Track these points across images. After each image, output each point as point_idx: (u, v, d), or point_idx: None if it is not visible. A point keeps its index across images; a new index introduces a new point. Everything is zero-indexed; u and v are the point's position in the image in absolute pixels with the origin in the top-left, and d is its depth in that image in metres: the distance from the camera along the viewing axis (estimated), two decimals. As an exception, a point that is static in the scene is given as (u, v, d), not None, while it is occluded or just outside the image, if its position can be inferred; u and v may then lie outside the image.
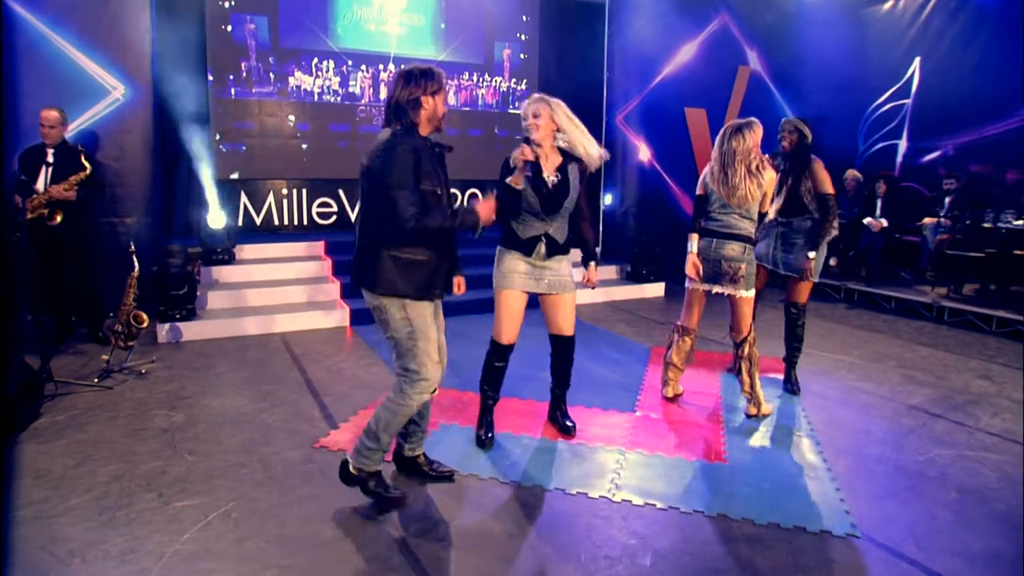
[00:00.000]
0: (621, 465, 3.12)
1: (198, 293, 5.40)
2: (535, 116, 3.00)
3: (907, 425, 3.68)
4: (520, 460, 3.15)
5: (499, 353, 3.23)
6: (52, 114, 4.52)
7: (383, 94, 7.51)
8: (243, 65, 6.79)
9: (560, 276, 3.19)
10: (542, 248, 3.12)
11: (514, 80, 8.23)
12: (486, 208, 2.64)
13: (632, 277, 7.33)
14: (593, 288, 3.37)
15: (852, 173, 7.60)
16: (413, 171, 2.49)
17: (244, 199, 7.03)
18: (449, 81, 7.81)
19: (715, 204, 3.53)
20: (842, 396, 4.14)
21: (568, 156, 3.10)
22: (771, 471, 3.09)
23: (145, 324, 4.35)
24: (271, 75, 6.93)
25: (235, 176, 6.94)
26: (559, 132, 3.07)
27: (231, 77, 6.75)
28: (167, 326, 4.98)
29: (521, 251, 3.13)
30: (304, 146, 7.22)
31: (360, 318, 5.69)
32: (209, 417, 3.62)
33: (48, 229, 4.47)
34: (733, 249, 3.50)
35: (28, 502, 2.68)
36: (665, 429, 3.55)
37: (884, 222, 7.02)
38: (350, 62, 7.29)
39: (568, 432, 3.44)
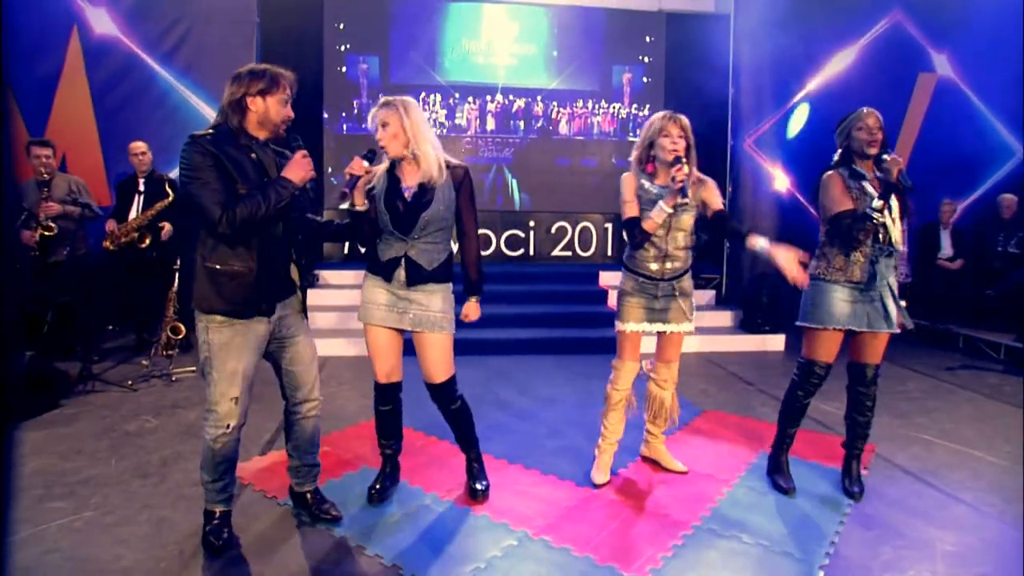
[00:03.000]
0: (503, 553, 2.43)
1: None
2: (383, 126, 2.55)
3: None
4: (400, 524, 2.64)
5: (381, 395, 2.79)
6: (139, 145, 5.13)
7: (490, 125, 7.44)
8: (355, 102, 7.22)
9: (427, 311, 2.63)
10: (401, 274, 2.61)
11: (635, 105, 7.60)
12: (296, 167, 2.31)
13: (745, 326, 6.15)
14: (468, 320, 2.79)
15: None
16: (216, 171, 2.23)
17: (351, 228, 7.40)
18: (561, 110, 7.49)
19: None
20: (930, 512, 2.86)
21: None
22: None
23: (182, 335, 4.67)
24: (380, 111, 7.26)
25: (344, 207, 7.33)
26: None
27: (343, 114, 7.22)
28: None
29: (381, 276, 2.66)
30: (409, 178, 7.40)
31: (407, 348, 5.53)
32: (175, 427, 3.69)
33: (137, 250, 5.05)
34: None
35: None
36: (608, 518, 2.74)
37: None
38: (457, 95, 7.35)
39: (474, 496, 2.84)
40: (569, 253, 7.71)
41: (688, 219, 2.86)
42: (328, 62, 7.12)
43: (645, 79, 7.55)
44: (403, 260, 2.59)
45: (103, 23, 5.75)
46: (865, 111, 2.82)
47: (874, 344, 2.92)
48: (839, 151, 2.92)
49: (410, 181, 2.58)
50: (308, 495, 2.68)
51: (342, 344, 5.45)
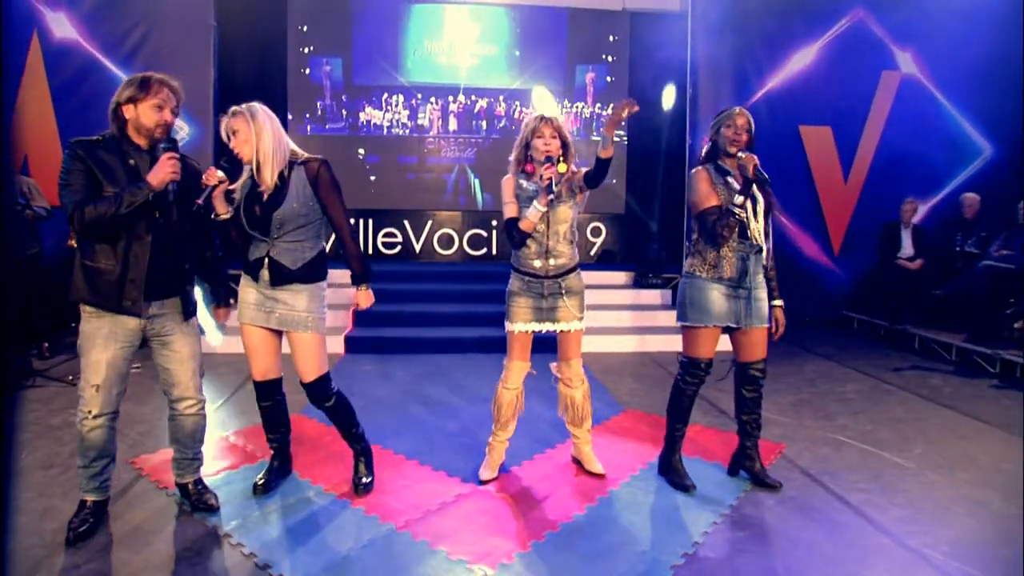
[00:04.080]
0: (362, 546, 2.47)
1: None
2: (234, 133, 2.58)
3: None
4: (275, 516, 2.69)
5: (259, 392, 2.84)
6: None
7: (452, 125, 7.49)
8: (318, 104, 7.30)
9: (293, 311, 2.66)
10: (265, 274, 2.65)
11: (599, 105, 7.60)
12: (157, 169, 2.34)
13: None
14: (361, 309, 2.81)
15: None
16: (82, 175, 2.34)
17: (316, 228, 7.48)
18: (524, 109, 7.51)
19: None
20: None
21: (293, 162, 2.65)
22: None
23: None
24: (343, 112, 7.35)
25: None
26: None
27: (307, 115, 7.30)
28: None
29: (250, 276, 2.71)
30: (372, 178, 7.47)
31: (357, 346, 5.62)
32: None
33: None
34: None
35: None
36: (480, 514, 2.76)
37: None
38: (419, 95, 7.41)
39: (357, 491, 2.88)
40: (534, 253, 7.72)
41: (566, 211, 2.87)
42: (292, 64, 7.21)
43: (609, 79, 7.55)
44: (266, 260, 2.63)
45: (63, 27, 5.87)
46: (737, 110, 2.83)
47: (751, 340, 2.93)
48: (707, 145, 2.93)
49: (267, 179, 2.62)
50: (189, 485, 2.74)
51: None
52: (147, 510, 2.75)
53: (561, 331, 2.98)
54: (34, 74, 5.84)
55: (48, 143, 5.85)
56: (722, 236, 2.76)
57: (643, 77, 7.43)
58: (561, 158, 2.81)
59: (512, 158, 2.94)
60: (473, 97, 7.47)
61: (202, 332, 2.83)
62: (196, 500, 2.72)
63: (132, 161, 2.42)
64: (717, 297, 2.85)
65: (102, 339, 2.42)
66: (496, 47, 7.44)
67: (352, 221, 7.25)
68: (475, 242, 7.67)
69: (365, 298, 2.81)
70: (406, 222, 7.56)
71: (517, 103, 7.53)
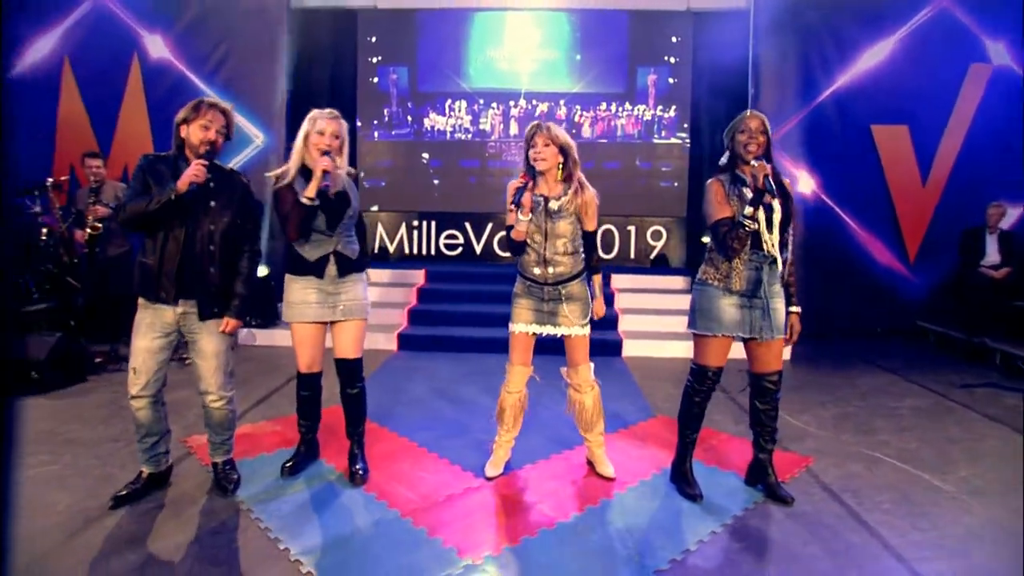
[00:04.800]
0: (365, 527, 2.64)
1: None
2: (321, 134, 2.85)
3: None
4: (294, 496, 2.92)
5: (303, 383, 3.09)
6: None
7: (513, 130, 7.63)
8: (385, 111, 7.65)
9: (355, 300, 3.00)
10: (332, 268, 2.94)
11: (660, 107, 7.50)
12: (185, 173, 2.64)
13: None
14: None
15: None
16: (140, 182, 2.71)
17: (380, 229, 7.85)
18: (584, 113, 7.55)
19: None
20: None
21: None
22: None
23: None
24: (409, 118, 7.66)
25: (375, 208, 7.81)
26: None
27: (375, 122, 7.67)
28: (244, 330, 5.88)
29: (312, 275, 2.95)
30: (436, 181, 7.74)
31: (409, 344, 5.86)
32: None
33: None
34: None
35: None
36: (478, 507, 2.87)
37: None
38: (481, 101, 7.60)
39: (353, 479, 3.07)
40: (592, 256, 7.72)
41: (565, 226, 2.93)
42: (361, 73, 7.60)
43: (671, 80, 7.44)
44: (332, 256, 2.91)
45: (158, 48, 6.50)
46: (749, 114, 2.77)
47: (765, 352, 2.87)
48: (726, 154, 2.87)
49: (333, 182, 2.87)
50: (218, 465, 3.03)
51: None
52: (189, 484, 3.06)
53: (564, 336, 3.03)
54: (134, 91, 6.50)
55: (144, 152, 6.48)
56: (732, 249, 2.73)
57: (706, 78, 7.28)
58: (560, 165, 2.86)
59: (521, 166, 3.02)
60: (534, 101, 7.58)
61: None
62: (219, 479, 3.00)
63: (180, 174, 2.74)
64: (728, 307, 2.81)
65: (144, 328, 2.75)
66: (557, 52, 7.51)
67: (416, 223, 7.63)
68: (534, 244, 7.77)
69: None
70: (467, 224, 7.77)
71: (577, 107, 7.57)
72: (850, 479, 3.22)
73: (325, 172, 2.80)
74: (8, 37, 6.53)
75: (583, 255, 3.04)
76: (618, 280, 6.73)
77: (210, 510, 2.81)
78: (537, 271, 2.96)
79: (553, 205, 2.91)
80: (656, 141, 7.52)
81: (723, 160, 2.88)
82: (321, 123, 2.88)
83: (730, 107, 6.79)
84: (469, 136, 7.65)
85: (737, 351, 2.91)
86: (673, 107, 7.47)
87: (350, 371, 3.06)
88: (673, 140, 7.54)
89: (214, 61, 6.47)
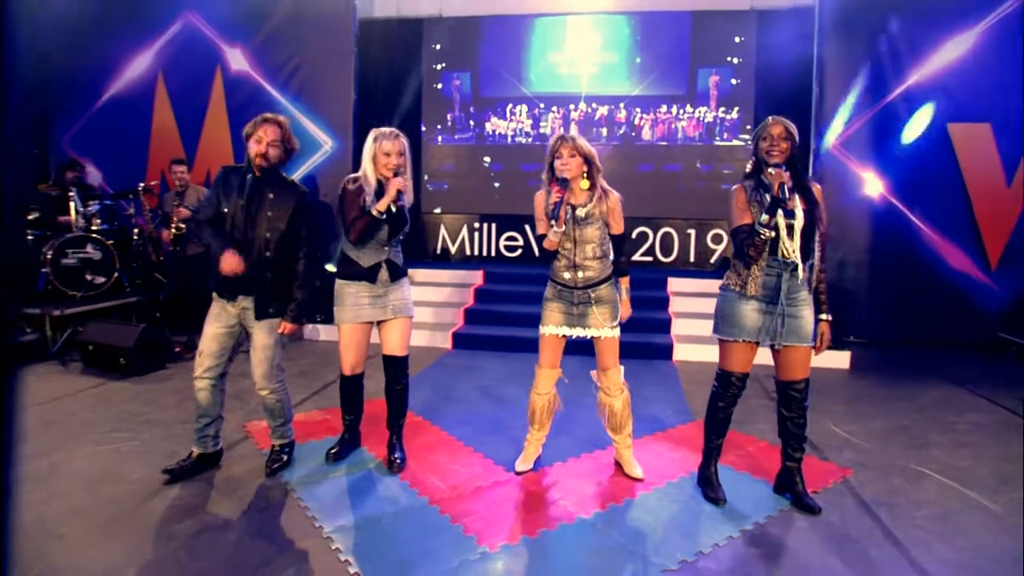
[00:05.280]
0: (394, 512, 2.83)
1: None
2: (387, 155, 3.10)
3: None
4: (335, 480, 3.15)
5: (347, 384, 3.35)
6: (257, 162, 6.24)
7: (573, 133, 7.69)
8: (448, 116, 7.90)
9: (402, 300, 3.26)
10: (384, 273, 3.21)
11: (722, 109, 7.37)
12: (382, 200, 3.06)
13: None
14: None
15: None
16: (214, 191, 3.08)
17: (443, 231, 8.11)
18: (644, 116, 7.53)
19: None
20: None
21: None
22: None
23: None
24: (471, 122, 7.88)
25: (437, 211, 8.08)
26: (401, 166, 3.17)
27: (438, 127, 7.93)
28: (310, 326, 6.25)
29: (365, 280, 3.20)
30: (497, 184, 7.92)
31: (464, 343, 6.05)
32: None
33: None
34: None
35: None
36: (504, 500, 3.00)
37: None
38: (542, 105, 7.72)
39: (391, 466, 3.28)
40: (650, 259, 7.70)
41: (593, 232, 3.00)
42: (426, 80, 7.89)
43: (733, 81, 7.30)
44: (385, 263, 3.18)
45: (238, 60, 7.00)
46: (771, 120, 2.76)
47: (789, 360, 2.85)
48: (752, 160, 2.86)
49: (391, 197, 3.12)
50: (274, 447, 3.32)
51: (425, 336, 6.13)
52: (244, 465, 3.35)
53: (594, 338, 3.11)
54: (216, 101, 7.04)
55: (224, 159, 7.01)
56: (748, 255, 2.73)
57: (769, 78, 7.10)
58: (585, 174, 2.94)
59: (543, 177, 3.10)
60: (594, 105, 7.63)
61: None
62: (268, 460, 3.29)
63: (246, 184, 3.04)
64: (749, 312, 2.81)
65: (213, 318, 3.11)
66: (616, 55, 7.52)
67: (477, 224, 7.83)
68: (592, 247, 7.82)
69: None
70: (527, 226, 7.91)
71: (637, 109, 7.55)
72: (889, 493, 3.13)
73: (399, 192, 3.07)
74: (108, 57, 7.24)
75: (611, 259, 3.11)
76: (675, 284, 6.68)
77: (261, 490, 3.08)
78: (567, 275, 3.06)
79: (580, 212, 3.00)
80: (717, 143, 7.40)
81: (748, 166, 2.88)
82: (386, 144, 3.10)
83: (794, 107, 6.60)
84: (529, 140, 7.79)
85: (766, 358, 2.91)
86: (736, 108, 7.33)
87: (397, 367, 3.28)
88: (735, 142, 7.40)
89: (287, 71, 6.90)
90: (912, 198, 6.20)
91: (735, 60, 7.28)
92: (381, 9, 7.78)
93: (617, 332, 3.13)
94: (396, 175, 3.08)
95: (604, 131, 7.63)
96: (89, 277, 5.76)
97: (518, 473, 3.26)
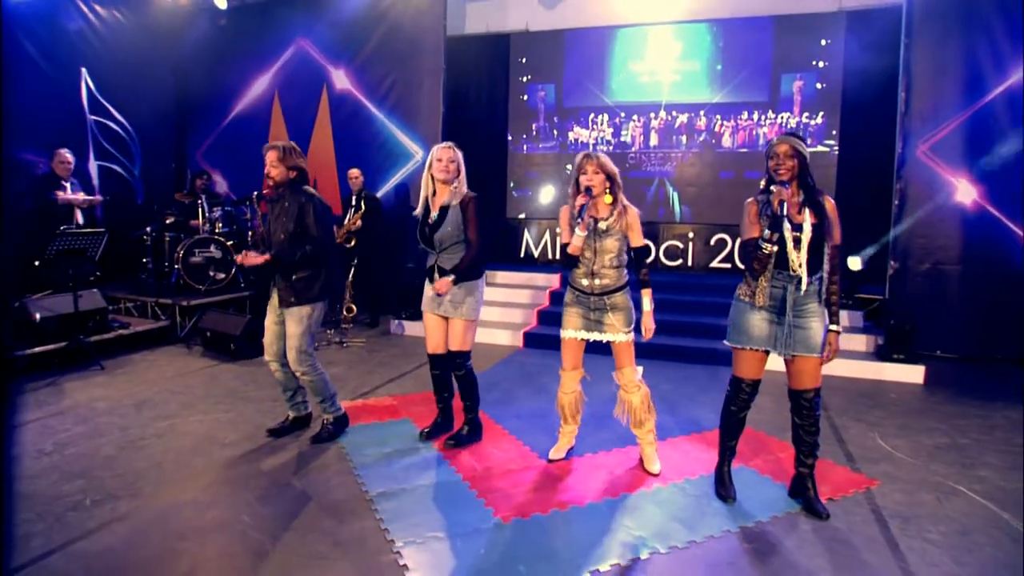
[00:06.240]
0: (431, 484, 3.25)
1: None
2: (451, 161, 3.52)
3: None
4: (391, 456, 3.63)
5: (432, 362, 3.80)
6: (353, 171, 6.93)
7: (653, 141, 7.83)
8: (533, 126, 8.28)
9: (453, 302, 3.60)
10: (436, 276, 3.62)
11: (806, 114, 7.21)
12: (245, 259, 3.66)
13: (882, 353, 5.58)
14: (441, 295, 3.59)
15: None
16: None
17: (527, 235, 8.50)
18: (724, 123, 7.52)
19: None
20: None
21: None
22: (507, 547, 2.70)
23: (350, 314, 6.31)
24: (555, 132, 8.21)
25: (522, 216, 8.48)
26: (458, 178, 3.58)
27: (524, 136, 8.33)
28: (396, 321, 6.86)
29: (428, 278, 3.68)
30: (576, 191, 8.19)
31: (534, 342, 6.39)
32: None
33: (349, 248, 6.85)
34: None
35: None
36: (530, 482, 3.33)
37: None
38: (623, 114, 7.90)
39: (449, 442, 3.77)
40: (728, 265, 7.66)
41: (612, 243, 3.25)
42: (512, 92, 8.32)
43: (819, 85, 7.11)
44: (435, 267, 3.61)
45: (342, 80, 7.78)
46: (776, 140, 2.88)
47: (798, 369, 2.96)
48: (765, 177, 2.99)
49: (434, 208, 3.57)
50: (325, 420, 3.87)
51: (500, 334, 6.54)
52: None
53: (609, 342, 3.35)
54: (323, 117, 7.86)
55: (329, 169, 7.83)
56: (752, 269, 2.88)
57: (858, 81, 6.87)
58: (608, 189, 3.21)
59: (570, 192, 3.38)
60: (674, 113, 7.71)
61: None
62: (319, 433, 3.84)
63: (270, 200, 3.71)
64: (758, 321, 2.95)
65: (269, 310, 3.74)
66: (697, 63, 7.56)
67: (559, 229, 8.13)
68: (671, 253, 7.90)
69: (443, 284, 3.56)
70: (603, 231, 8.11)
71: (717, 117, 7.55)
72: (910, 506, 3.14)
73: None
74: (235, 80, 8.28)
75: (627, 270, 3.35)
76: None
77: (322, 452, 3.64)
78: (585, 282, 3.33)
79: (602, 225, 3.26)
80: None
81: (762, 182, 3.01)
82: (437, 151, 3.55)
83: (883, 110, 6.38)
84: (610, 148, 8.00)
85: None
86: (820, 113, 7.14)
87: (452, 358, 3.69)
88: (820, 148, 7.20)
89: (384, 88, 7.58)
90: (1012, 206, 5.80)
91: (820, 64, 7.10)
92: (472, 26, 8.30)
93: (631, 336, 3.34)
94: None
95: (684, 138, 7.69)
96: (212, 273, 6.70)
97: (550, 461, 3.58)
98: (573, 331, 3.41)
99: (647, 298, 3.36)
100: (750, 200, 3.01)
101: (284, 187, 3.64)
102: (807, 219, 2.84)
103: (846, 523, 2.96)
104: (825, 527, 2.92)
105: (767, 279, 2.90)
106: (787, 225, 2.83)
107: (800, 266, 2.83)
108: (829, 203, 2.92)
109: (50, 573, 2.49)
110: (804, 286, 2.86)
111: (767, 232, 2.80)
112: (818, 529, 2.90)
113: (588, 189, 3.20)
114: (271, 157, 3.59)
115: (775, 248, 2.81)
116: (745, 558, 2.67)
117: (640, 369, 3.43)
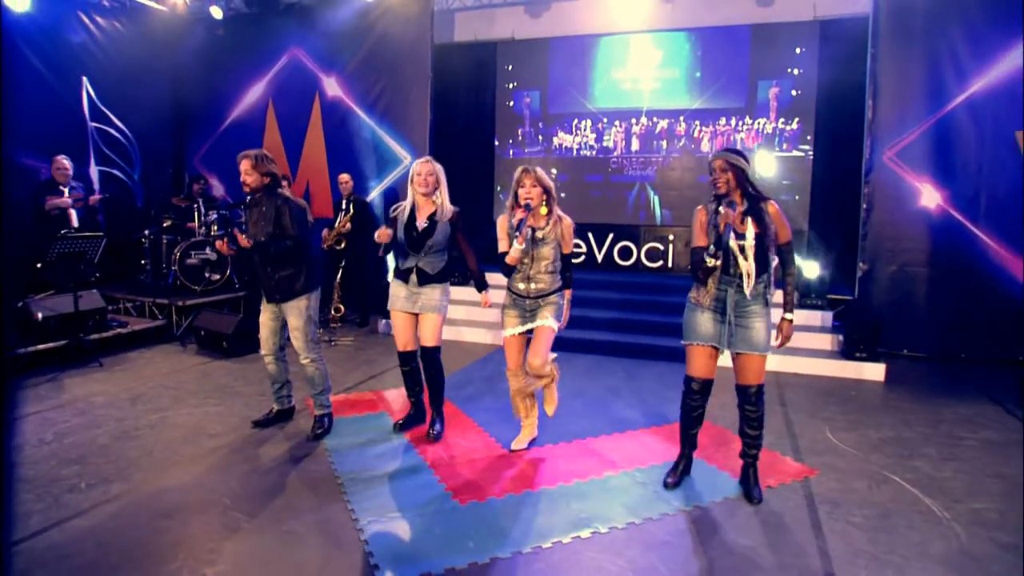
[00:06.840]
0: (395, 471, 3.51)
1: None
2: (430, 174, 3.79)
3: None
4: (365, 445, 3.89)
5: (401, 359, 4.05)
6: (344, 176, 7.19)
7: (635, 146, 8.07)
8: (519, 131, 8.53)
9: (430, 300, 3.87)
10: (414, 277, 3.87)
11: (782, 120, 7.44)
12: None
13: (845, 351, 5.81)
14: (489, 307, 3.93)
15: None
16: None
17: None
18: (703, 128, 7.76)
19: None
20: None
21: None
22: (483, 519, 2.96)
23: (338, 314, 6.59)
24: (540, 137, 8.46)
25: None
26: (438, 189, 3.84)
27: (510, 141, 8.59)
28: (384, 321, 7.12)
29: (401, 280, 3.92)
30: (563, 195, 8.43)
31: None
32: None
33: (339, 251, 7.12)
34: None
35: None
36: (488, 469, 3.58)
37: None
38: (605, 120, 8.15)
39: (428, 436, 4.00)
40: (707, 266, 7.87)
41: (548, 250, 3.53)
42: (499, 98, 8.57)
43: (794, 92, 7.34)
44: (415, 269, 3.85)
45: (333, 87, 8.06)
46: (712, 156, 3.12)
47: (741, 366, 3.19)
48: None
49: (421, 216, 3.82)
50: (317, 416, 4.11)
51: (481, 334, 6.83)
52: (299, 428, 4.17)
53: (536, 327, 3.61)
54: (315, 124, 8.14)
55: (321, 174, 8.11)
56: (696, 276, 3.13)
57: (832, 88, 7.09)
58: (544, 202, 3.46)
59: (508, 203, 3.62)
60: (655, 119, 7.95)
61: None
62: (312, 428, 4.07)
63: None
64: (704, 320, 3.19)
65: (262, 307, 4.02)
66: (677, 70, 7.80)
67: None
68: (652, 255, 8.13)
69: (485, 299, 3.94)
70: (590, 234, 8.36)
71: (697, 122, 7.79)
72: (842, 493, 3.37)
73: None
74: (231, 87, 8.55)
75: (559, 275, 3.62)
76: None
77: (306, 446, 3.89)
78: (522, 286, 3.59)
79: (539, 234, 3.52)
80: (778, 153, 7.47)
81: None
82: (416, 166, 3.83)
83: (854, 117, 6.60)
84: (593, 152, 8.25)
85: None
86: (796, 119, 7.37)
87: (427, 354, 3.94)
88: (795, 152, 7.43)
89: (374, 95, 7.86)
90: (974, 210, 6.02)
91: (796, 71, 7.33)
92: (460, 35, 8.55)
93: (555, 325, 3.59)
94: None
95: (664, 143, 7.94)
96: (207, 275, 6.97)
97: (512, 451, 3.83)
98: (511, 329, 3.67)
99: (567, 298, 3.71)
100: (700, 207, 3.23)
101: (260, 192, 3.90)
102: (750, 228, 3.07)
103: (780, 507, 3.20)
104: (760, 511, 3.16)
105: (713, 283, 3.14)
106: (732, 234, 3.05)
107: (747, 274, 3.05)
108: (772, 208, 3.13)
109: (47, 546, 2.76)
110: (748, 290, 3.08)
111: (712, 248, 3.02)
112: (756, 513, 3.14)
113: (526, 205, 3.43)
114: (245, 165, 3.85)
115: (719, 263, 3.05)
116: (680, 538, 2.91)
117: (553, 355, 3.71)
